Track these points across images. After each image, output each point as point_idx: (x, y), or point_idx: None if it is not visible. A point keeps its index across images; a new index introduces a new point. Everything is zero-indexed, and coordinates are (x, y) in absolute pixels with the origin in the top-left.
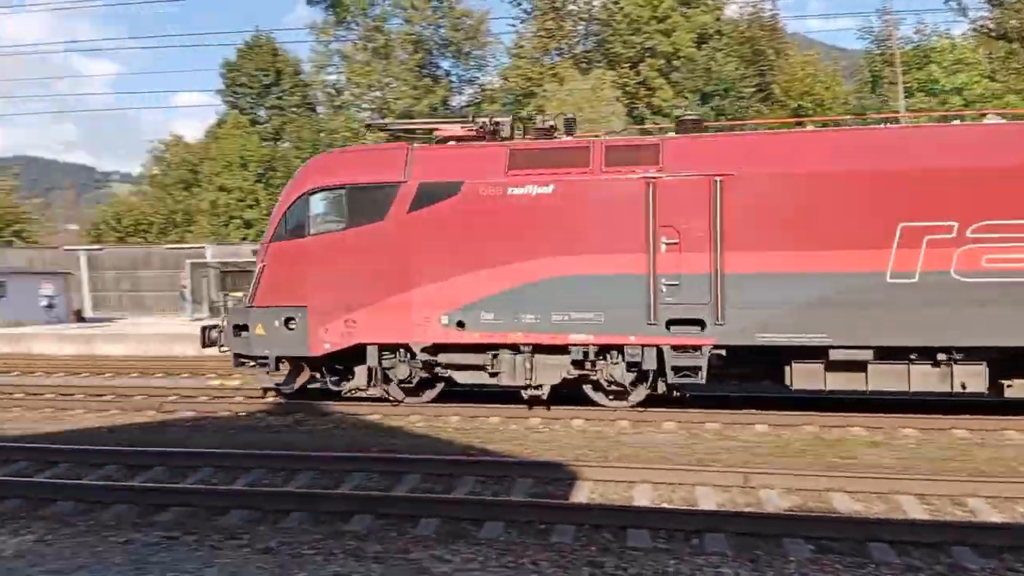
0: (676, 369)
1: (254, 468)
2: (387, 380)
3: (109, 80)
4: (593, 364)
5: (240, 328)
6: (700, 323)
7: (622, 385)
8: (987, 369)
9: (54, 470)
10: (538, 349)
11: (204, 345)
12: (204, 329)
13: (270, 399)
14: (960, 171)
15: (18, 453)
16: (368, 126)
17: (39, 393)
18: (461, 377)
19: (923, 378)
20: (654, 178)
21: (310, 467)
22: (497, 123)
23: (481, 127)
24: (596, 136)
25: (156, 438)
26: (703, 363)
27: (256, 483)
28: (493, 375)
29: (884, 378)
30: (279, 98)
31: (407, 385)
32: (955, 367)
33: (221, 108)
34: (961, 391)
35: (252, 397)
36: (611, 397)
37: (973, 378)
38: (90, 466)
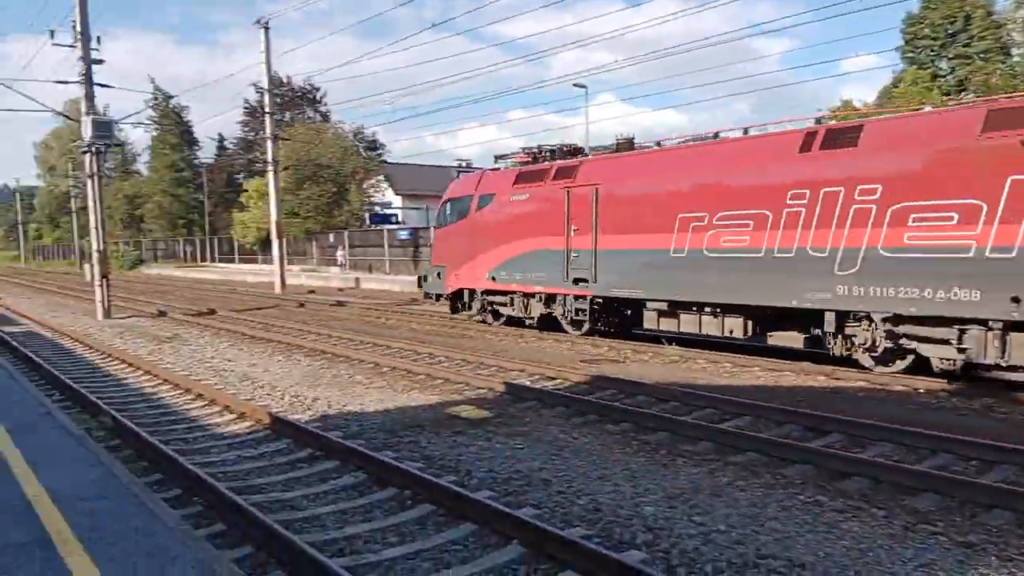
0: (577, 311)
1: (939, 451)
2: (486, 311)
3: (781, 57)
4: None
5: (425, 278)
6: (586, 281)
7: (578, 320)
8: (745, 321)
9: (736, 421)
10: (525, 295)
11: (419, 286)
12: (419, 278)
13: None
14: (714, 178)
15: (703, 401)
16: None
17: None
18: (500, 309)
19: (708, 325)
20: (570, 188)
21: (1009, 461)
22: (542, 149)
23: (533, 152)
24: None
25: (828, 403)
26: (587, 307)
27: (944, 467)
28: (512, 308)
29: (689, 324)
30: (965, 45)
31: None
32: (724, 318)
33: (898, 67)
34: (730, 336)
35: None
36: (573, 327)
37: (736, 327)
38: (771, 422)
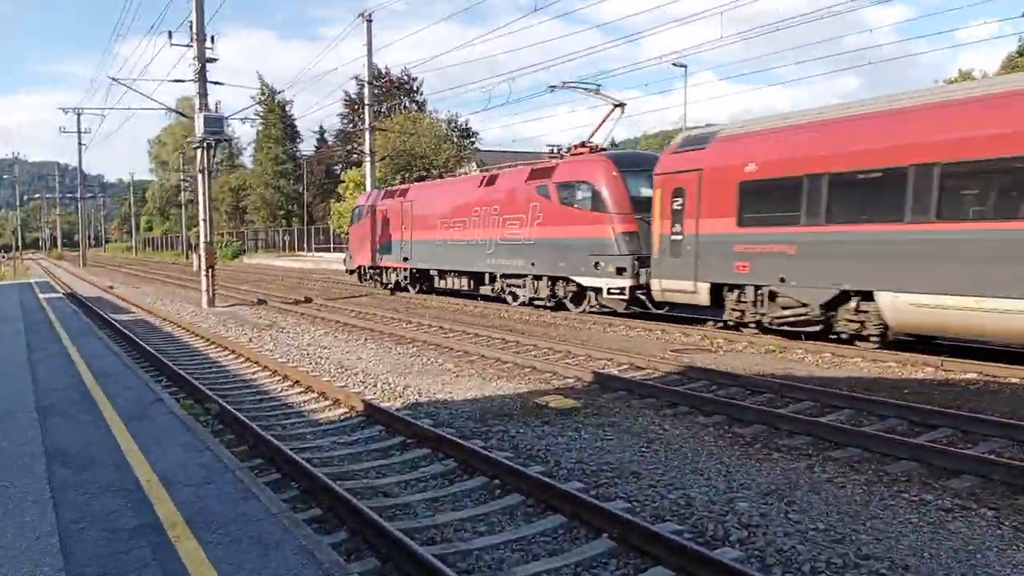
0: (405, 277)
1: None
2: (372, 280)
3: (895, 27)
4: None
5: (345, 260)
6: (408, 259)
7: (408, 282)
8: (468, 280)
9: (837, 415)
10: (388, 269)
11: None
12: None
13: None
14: (455, 199)
15: (801, 393)
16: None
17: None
18: (377, 278)
19: (456, 282)
20: (403, 202)
21: None
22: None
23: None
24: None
25: (935, 396)
26: (409, 275)
27: None
28: (382, 277)
29: (450, 282)
30: None
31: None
32: (461, 279)
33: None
34: (466, 287)
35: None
36: (411, 288)
37: (465, 283)
38: (874, 416)
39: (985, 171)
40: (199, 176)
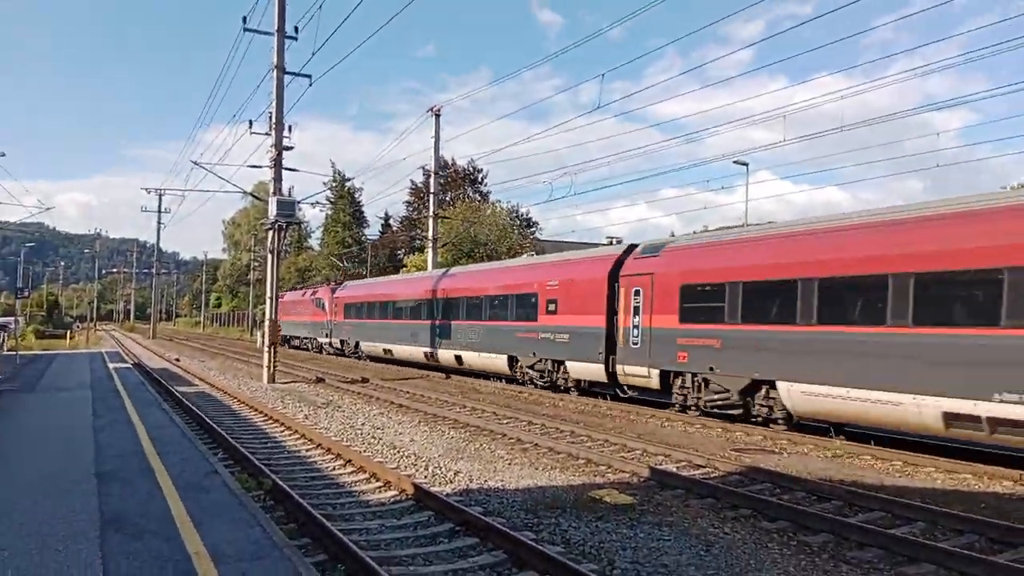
0: (332, 348)
1: None
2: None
3: (960, 131)
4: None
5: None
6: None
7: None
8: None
9: (910, 527)
10: (310, 339)
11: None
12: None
13: None
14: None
15: (872, 502)
16: None
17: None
18: (301, 345)
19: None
20: (332, 296)
21: None
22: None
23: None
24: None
25: (1016, 511)
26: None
27: None
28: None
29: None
30: None
31: None
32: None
33: None
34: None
35: None
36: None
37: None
38: (950, 530)
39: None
40: (268, 256)
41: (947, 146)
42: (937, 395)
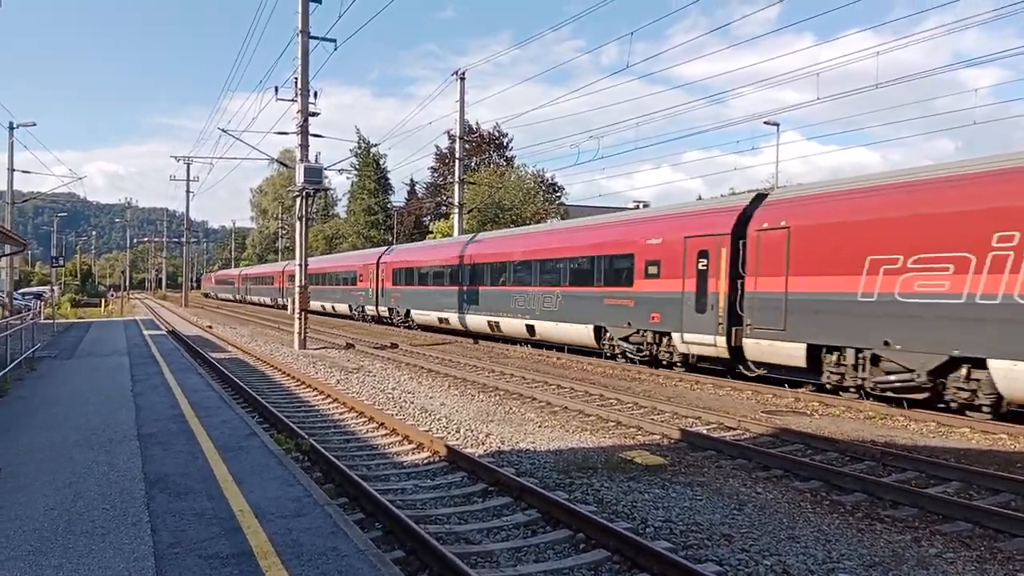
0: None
1: None
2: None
3: (992, 89)
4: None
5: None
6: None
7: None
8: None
9: (944, 487)
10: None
11: None
12: None
13: None
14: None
15: (905, 462)
16: None
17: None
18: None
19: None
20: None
21: None
22: None
23: None
24: None
25: None
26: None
27: None
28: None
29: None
30: None
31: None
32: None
33: None
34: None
35: None
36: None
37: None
38: (985, 489)
39: None
40: (297, 223)
41: (981, 104)
42: None
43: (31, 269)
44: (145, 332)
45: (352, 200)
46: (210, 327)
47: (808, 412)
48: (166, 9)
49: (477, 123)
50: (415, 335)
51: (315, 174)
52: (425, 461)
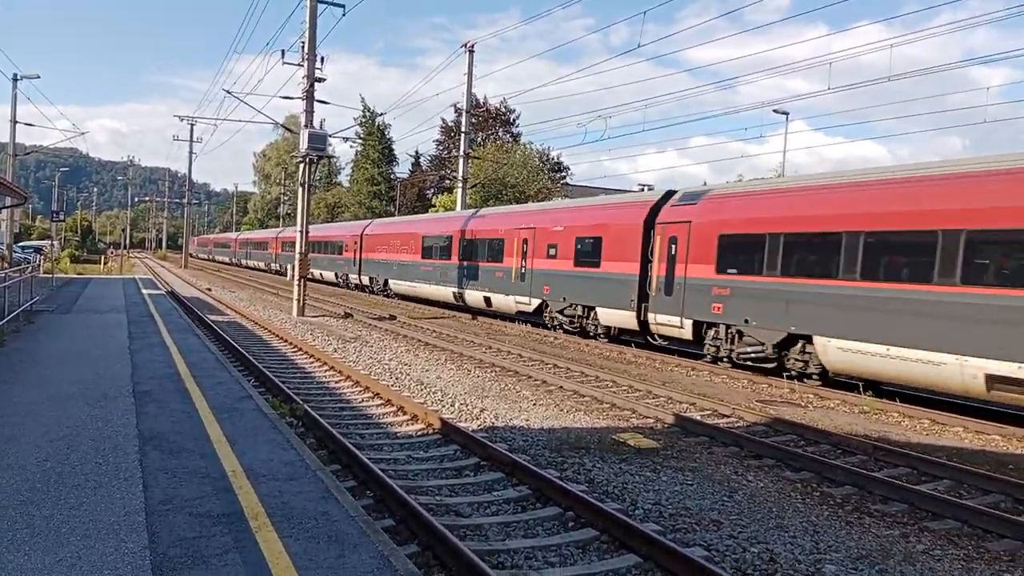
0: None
1: None
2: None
3: (1001, 88)
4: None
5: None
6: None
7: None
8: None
9: (935, 484)
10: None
11: None
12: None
13: None
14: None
15: (897, 458)
16: None
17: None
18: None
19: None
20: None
21: None
22: None
23: None
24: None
25: None
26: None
27: None
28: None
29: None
30: None
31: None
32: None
33: None
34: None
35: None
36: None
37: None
38: (975, 489)
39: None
40: (299, 190)
41: (991, 102)
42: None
43: (31, 223)
44: (144, 291)
45: (355, 169)
46: (209, 290)
47: (803, 404)
48: None
49: (485, 97)
50: (413, 308)
51: (319, 140)
52: (419, 433)
